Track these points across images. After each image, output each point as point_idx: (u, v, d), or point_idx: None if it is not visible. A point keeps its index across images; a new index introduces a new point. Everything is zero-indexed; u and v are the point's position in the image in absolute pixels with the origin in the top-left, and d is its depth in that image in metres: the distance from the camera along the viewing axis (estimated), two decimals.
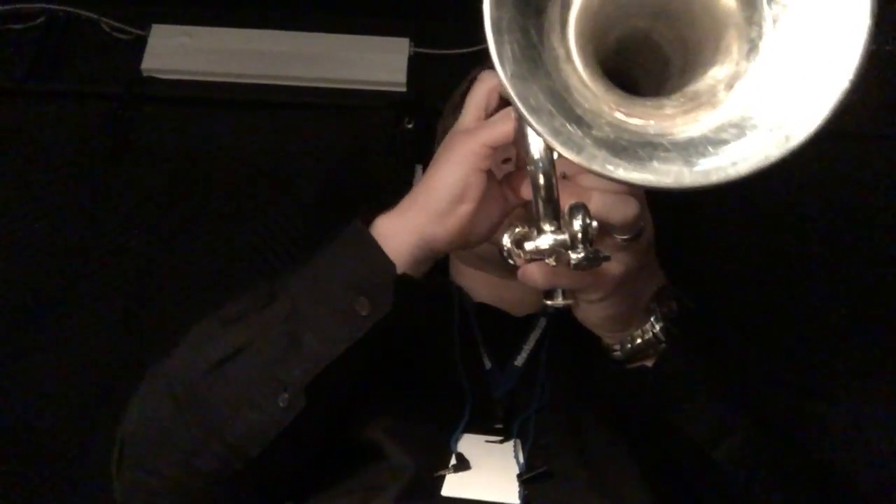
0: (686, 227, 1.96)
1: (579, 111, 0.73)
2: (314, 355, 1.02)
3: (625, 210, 0.92)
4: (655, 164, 0.71)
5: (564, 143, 0.71)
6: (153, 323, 1.85)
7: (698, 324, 1.10)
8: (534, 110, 0.71)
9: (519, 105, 0.71)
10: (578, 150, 0.70)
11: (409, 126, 2.06)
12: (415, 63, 2.16)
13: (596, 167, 0.70)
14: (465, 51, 2.06)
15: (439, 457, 1.14)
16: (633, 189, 0.95)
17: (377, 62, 2.15)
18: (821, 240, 2.00)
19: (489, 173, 0.99)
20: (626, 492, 1.12)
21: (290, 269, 1.12)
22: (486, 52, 0.72)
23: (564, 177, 0.92)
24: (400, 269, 1.01)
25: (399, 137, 2.05)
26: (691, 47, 0.81)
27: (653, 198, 1.00)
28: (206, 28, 2.15)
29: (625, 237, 0.96)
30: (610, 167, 0.70)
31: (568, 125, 0.71)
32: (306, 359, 1.02)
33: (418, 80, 2.13)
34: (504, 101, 1.05)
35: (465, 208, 0.98)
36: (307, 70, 2.13)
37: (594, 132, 0.71)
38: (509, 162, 1.10)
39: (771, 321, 1.90)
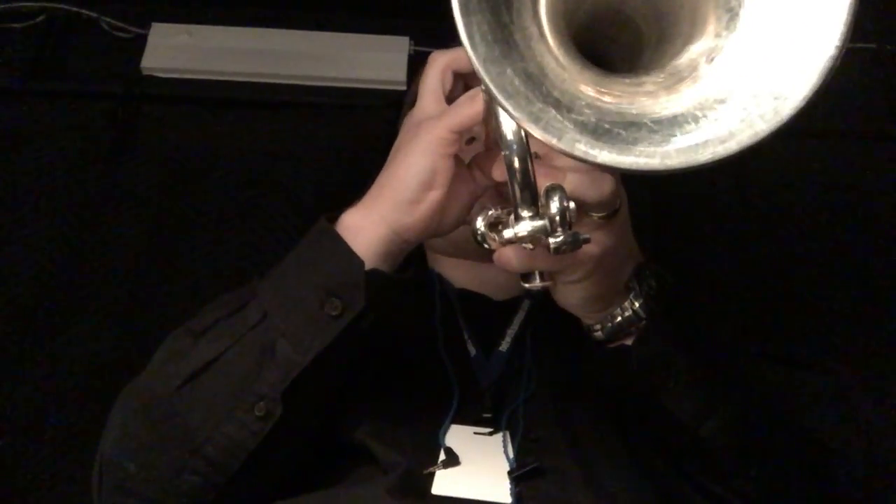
0: (685, 223, 1.96)
1: (557, 94, 0.71)
2: (288, 361, 1.00)
3: (600, 188, 0.91)
4: (640, 146, 0.68)
5: (544, 130, 0.68)
6: (153, 323, 1.83)
7: (681, 300, 1.09)
8: (510, 96, 0.69)
9: (494, 91, 0.69)
10: (559, 135, 0.68)
11: None
12: (415, 62, 2.15)
13: (578, 153, 0.68)
14: None
15: (428, 451, 1.12)
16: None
17: (377, 61, 2.15)
18: (819, 234, 2.00)
19: (456, 157, 0.97)
20: (617, 484, 1.11)
21: (260, 274, 1.11)
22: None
23: (536, 156, 0.90)
24: (370, 264, 0.98)
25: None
26: (666, 18, 0.78)
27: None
28: (207, 27, 2.14)
29: (601, 215, 0.94)
30: (593, 152, 0.68)
31: (546, 110, 0.69)
32: (280, 366, 1.00)
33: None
34: (460, 80, 1.04)
35: (435, 195, 0.96)
36: (307, 69, 2.12)
37: (574, 115, 0.69)
38: (475, 142, 1.09)
39: (766, 300, 1.90)
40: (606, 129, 0.70)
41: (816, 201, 2.04)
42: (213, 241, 1.96)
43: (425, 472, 1.09)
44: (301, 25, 2.16)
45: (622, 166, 0.69)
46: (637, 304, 1.03)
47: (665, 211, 1.94)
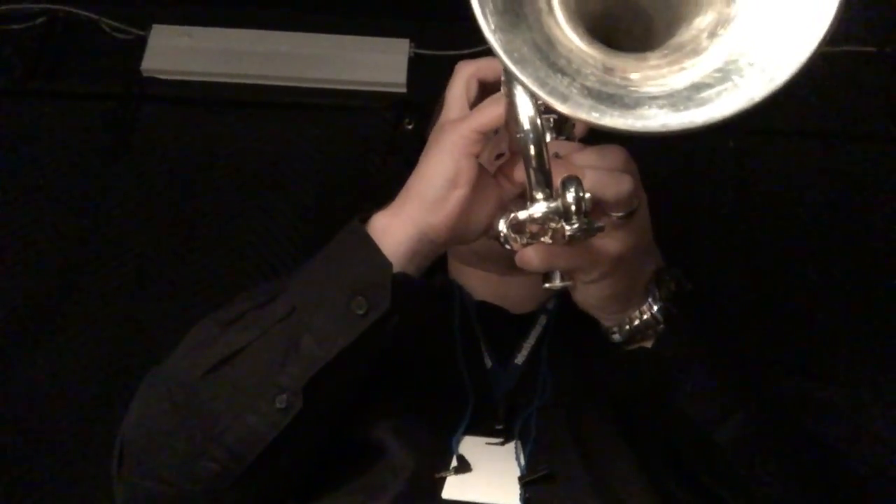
0: (686, 225, 1.96)
1: (563, 62, 0.74)
2: (311, 356, 1.01)
3: (618, 186, 0.93)
4: (641, 110, 0.70)
5: (550, 93, 0.71)
6: (153, 323, 1.84)
7: (697, 306, 1.09)
8: (518, 62, 0.71)
9: (503, 57, 0.71)
10: (564, 98, 0.70)
11: (410, 127, 2.06)
12: (415, 64, 2.17)
13: (582, 115, 0.70)
14: (465, 52, 2.04)
15: (440, 457, 1.12)
16: (626, 166, 0.96)
17: (377, 63, 2.16)
18: (821, 236, 2.00)
19: (482, 167, 0.99)
20: (626, 494, 1.10)
21: (292, 270, 1.12)
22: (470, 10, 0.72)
23: (557, 156, 0.92)
24: (398, 267, 1.00)
25: (399, 138, 2.05)
26: (675, 6, 0.81)
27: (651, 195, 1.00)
28: (206, 28, 2.16)
29: (620, 214, 0.95)
30: (595, 114, 0.70)
31: (552, 76, 0.71)
32: (303, 360, 1.01)
33: (418, 82, 2.13)
34: (484, 89, 1.06)
35: (459, 193, 0.97)
36: (307, 71, 2.14)
37: (579, 81, 0.72)
38: (502, 157, 1.10)
39: (772, 306, 1.90)
40: (610, 94, 0.72)
41: (816, 201, 2.04)
42: (213, 242, 1.97)
43: (436, 476, 1.10)
44: (301, 27, 2.18)
45: (623, 128, 0.70)
46: (656, 308, 1.04)
47: (665, 212, 1.94)
